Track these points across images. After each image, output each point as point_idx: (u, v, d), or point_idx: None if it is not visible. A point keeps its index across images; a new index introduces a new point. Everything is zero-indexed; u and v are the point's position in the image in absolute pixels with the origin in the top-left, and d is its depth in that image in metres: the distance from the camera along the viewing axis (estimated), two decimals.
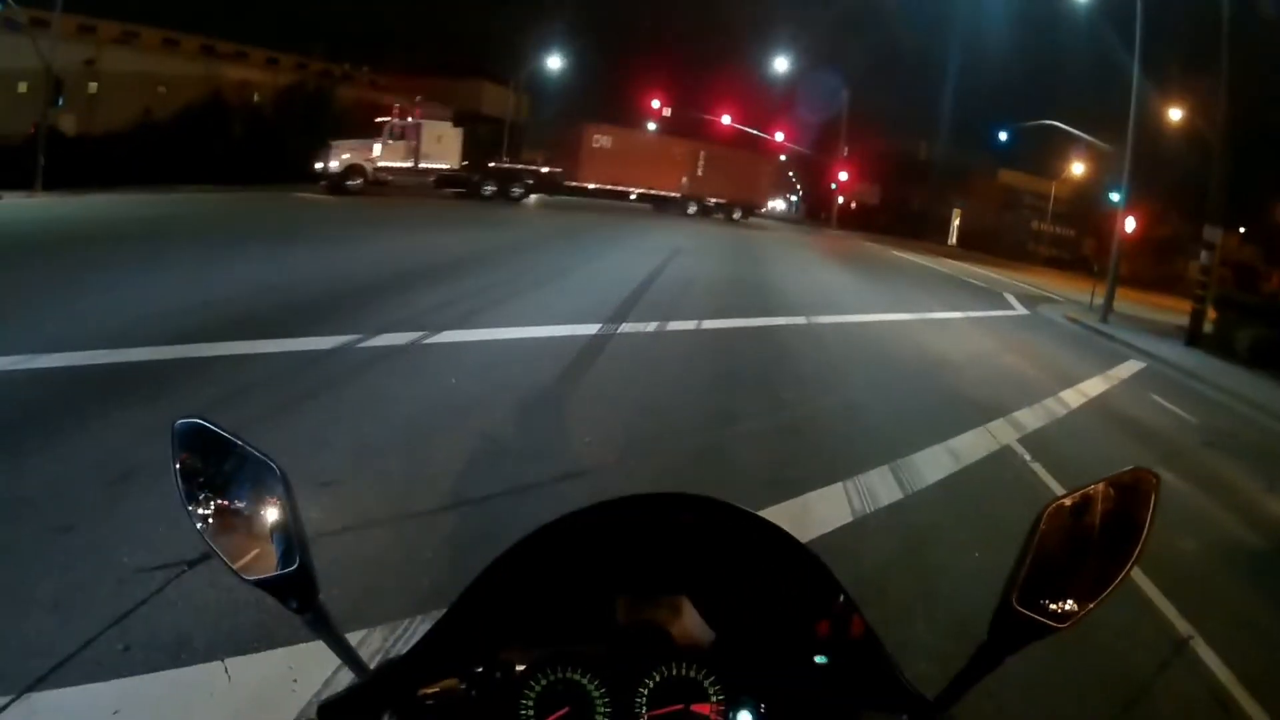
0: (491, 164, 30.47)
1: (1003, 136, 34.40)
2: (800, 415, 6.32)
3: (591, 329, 8.32)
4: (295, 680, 2.47)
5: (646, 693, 0.74)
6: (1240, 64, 18.14)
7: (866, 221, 48.24)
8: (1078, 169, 37.87)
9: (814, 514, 4.32)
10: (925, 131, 48.23)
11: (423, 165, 27.50)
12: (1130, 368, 12.30)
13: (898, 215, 47.94)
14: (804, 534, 3.82)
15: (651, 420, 5.66)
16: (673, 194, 35.61)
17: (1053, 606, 0.75)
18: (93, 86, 28.83)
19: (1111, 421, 8.29)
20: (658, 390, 6.50)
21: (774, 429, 5.84)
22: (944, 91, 48.44)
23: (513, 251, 14.58)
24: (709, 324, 9.56)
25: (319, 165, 24.66)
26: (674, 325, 9.17)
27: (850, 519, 4.34)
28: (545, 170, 32.35)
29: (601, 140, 34.51)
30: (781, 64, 39.80)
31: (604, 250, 16.78)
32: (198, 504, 0.79)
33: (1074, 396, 8.89)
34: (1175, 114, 25.39)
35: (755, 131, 42.35)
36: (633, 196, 35.14)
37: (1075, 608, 0.75)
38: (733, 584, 0.85)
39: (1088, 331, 16.60)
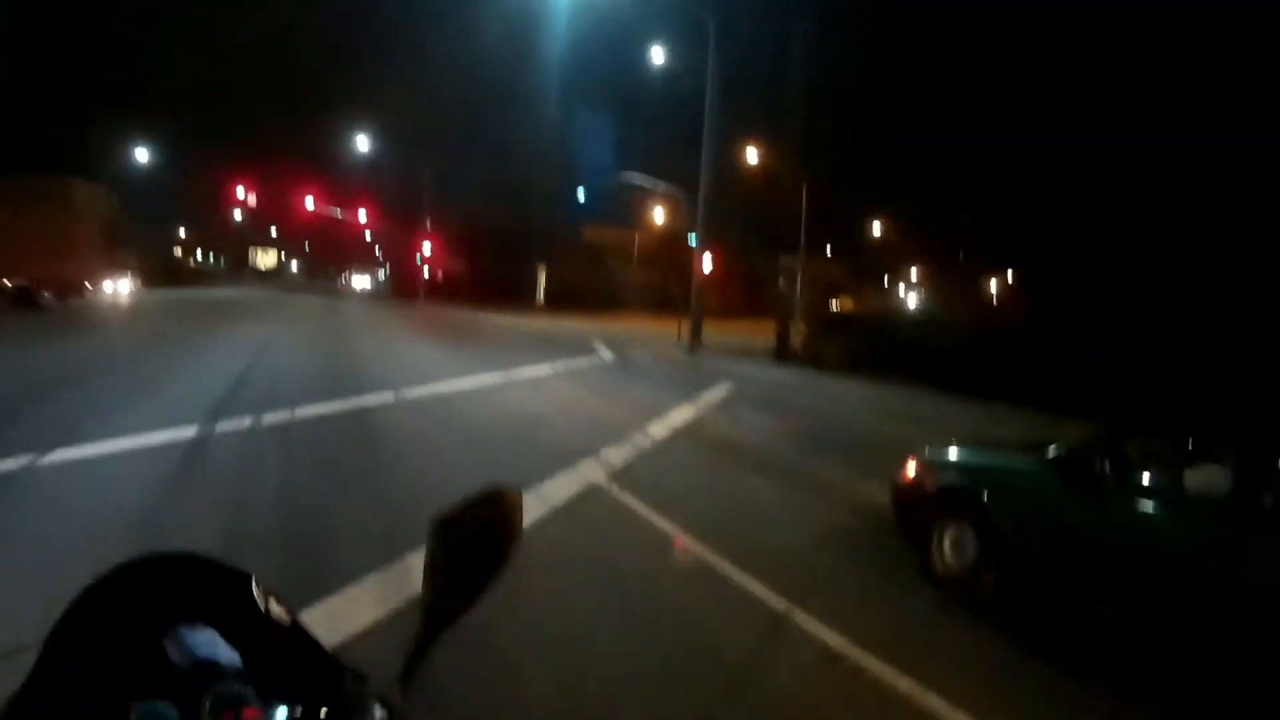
0: None
1: (581, 198, 37.03)
2: (399, 483, 6.10)
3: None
4: None
5: (209, 706, 0.82)
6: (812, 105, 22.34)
7: (456, 291, 47.71)
8: (659, 218, 40.48)
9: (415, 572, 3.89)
10: (510, 199, 49.48)
11: None
12: (719, 392, 13.00)
13: (486, 282, 47.57)
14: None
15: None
16: None
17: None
18: None
19: (698, 444, 8.75)
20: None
21: (375, 501, 5.59)
22: (515, 158, 50.99)
23: None
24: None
25: None
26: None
27: None
28: None
29: None
30: (364, 144, 39.25)
31: None
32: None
33: (661, 428, 9.24)
34: (752, 157, 29.42)
35: (339, 213, 41.63)
36: None
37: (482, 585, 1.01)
38: (229, 615, 0.98)
39: (676, 367, 17.41)
